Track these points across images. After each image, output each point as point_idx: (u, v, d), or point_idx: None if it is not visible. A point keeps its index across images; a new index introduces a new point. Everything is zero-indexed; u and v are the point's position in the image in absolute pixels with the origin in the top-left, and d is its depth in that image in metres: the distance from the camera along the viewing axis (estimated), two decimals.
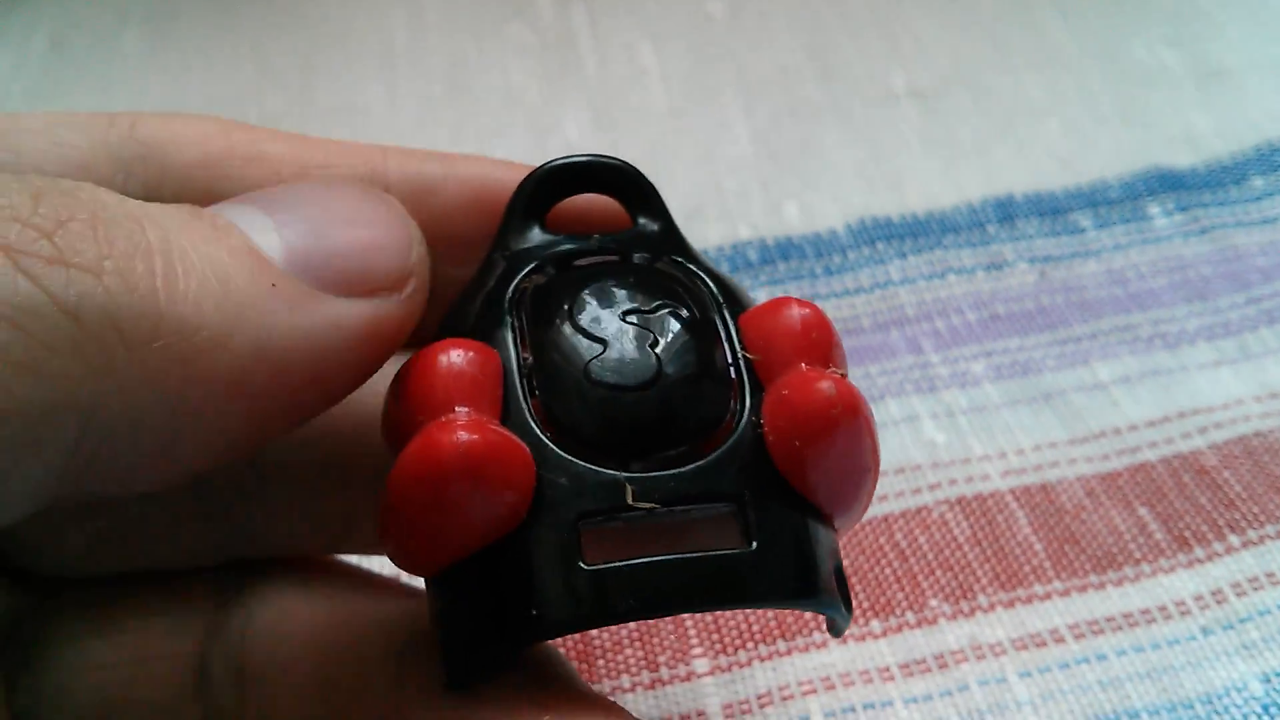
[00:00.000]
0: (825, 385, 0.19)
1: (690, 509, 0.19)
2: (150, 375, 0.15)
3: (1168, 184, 0.41)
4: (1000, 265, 0.39)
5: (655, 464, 0.19)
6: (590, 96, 0.45)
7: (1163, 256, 0.39)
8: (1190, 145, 0.42)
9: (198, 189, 0.21)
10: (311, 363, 0.18)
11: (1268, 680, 0.29)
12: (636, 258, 0.22)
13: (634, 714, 0.21)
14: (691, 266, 0.22)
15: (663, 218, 0.23)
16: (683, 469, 0.19)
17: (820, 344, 0.21)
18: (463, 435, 0.18)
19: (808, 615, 0.30)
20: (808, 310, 0.21)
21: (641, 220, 0.23)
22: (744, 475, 0.19)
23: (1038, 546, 0.31)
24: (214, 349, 0.16)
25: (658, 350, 0.20)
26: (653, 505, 0.19)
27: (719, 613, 0.30)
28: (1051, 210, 0.40)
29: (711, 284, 0.22)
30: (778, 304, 0.21)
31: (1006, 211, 0.40)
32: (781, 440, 0.19)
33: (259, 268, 0.17)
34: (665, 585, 0.18)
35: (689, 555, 0.18)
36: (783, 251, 0.39)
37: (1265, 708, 0.28)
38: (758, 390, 0.20)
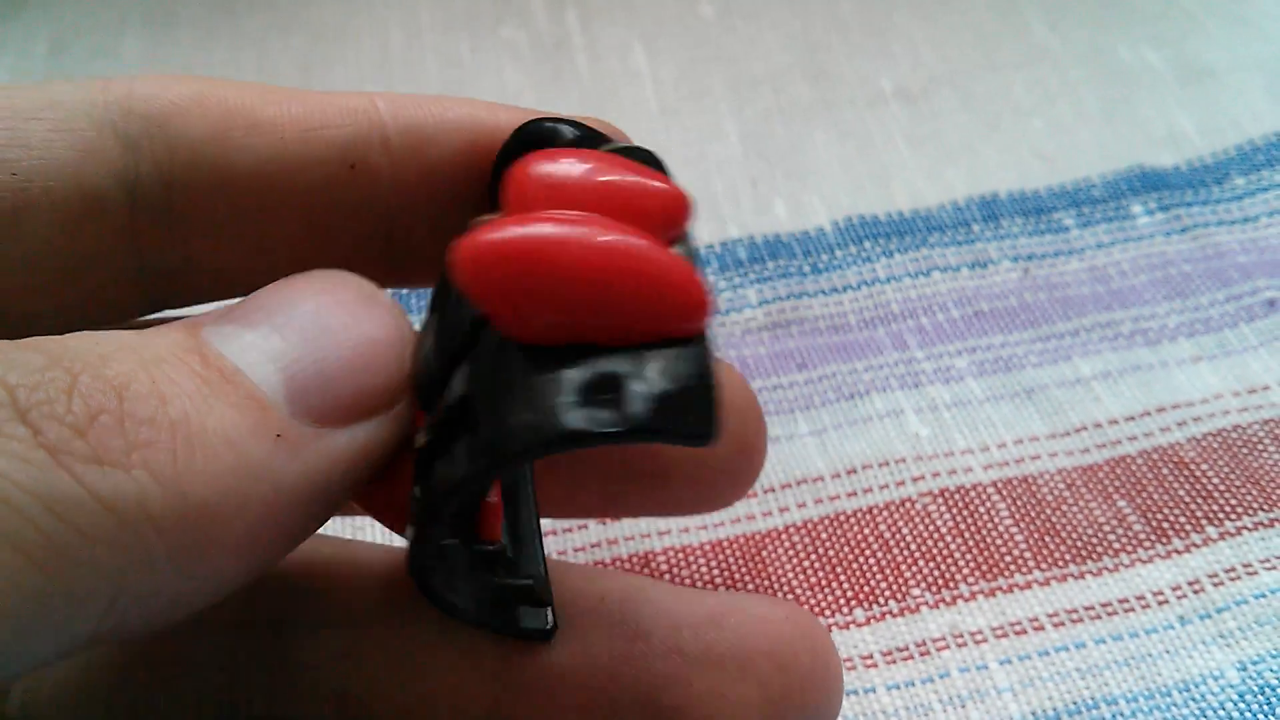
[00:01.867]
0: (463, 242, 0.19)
1: None
2: (177, 553, 0.16)
3: (1150, 183, 0.42)
4: (984, 263, 0.39)
5: None
6: (583, 96, 0.45)
7: (1144, 254, 0.40)
8: (1173, 144, 0.43)
9: (208, 166, 0.21)
10: (315, 500, 0.18)
11: (1244, 669, 0.29)
12: None
13: None
14: None
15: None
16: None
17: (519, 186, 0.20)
18: None
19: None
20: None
21: None
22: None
23: (1018, 537, 0.32)
24: (231, 518, 0.17)
25: None
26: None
27: None
28: (1035, 209, 0.41)
29: None
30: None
31: (991, 210, 0.41)
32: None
33: (264, 421, 0.18)
34: None
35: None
36: (771, 250, 0.40)
37: (1241, 695, 0.29)
38: None
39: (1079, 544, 0.32)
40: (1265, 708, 0.28)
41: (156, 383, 0.17)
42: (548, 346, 0.18)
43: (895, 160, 0.43)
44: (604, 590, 0.23)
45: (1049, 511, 0.33)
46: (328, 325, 0.19)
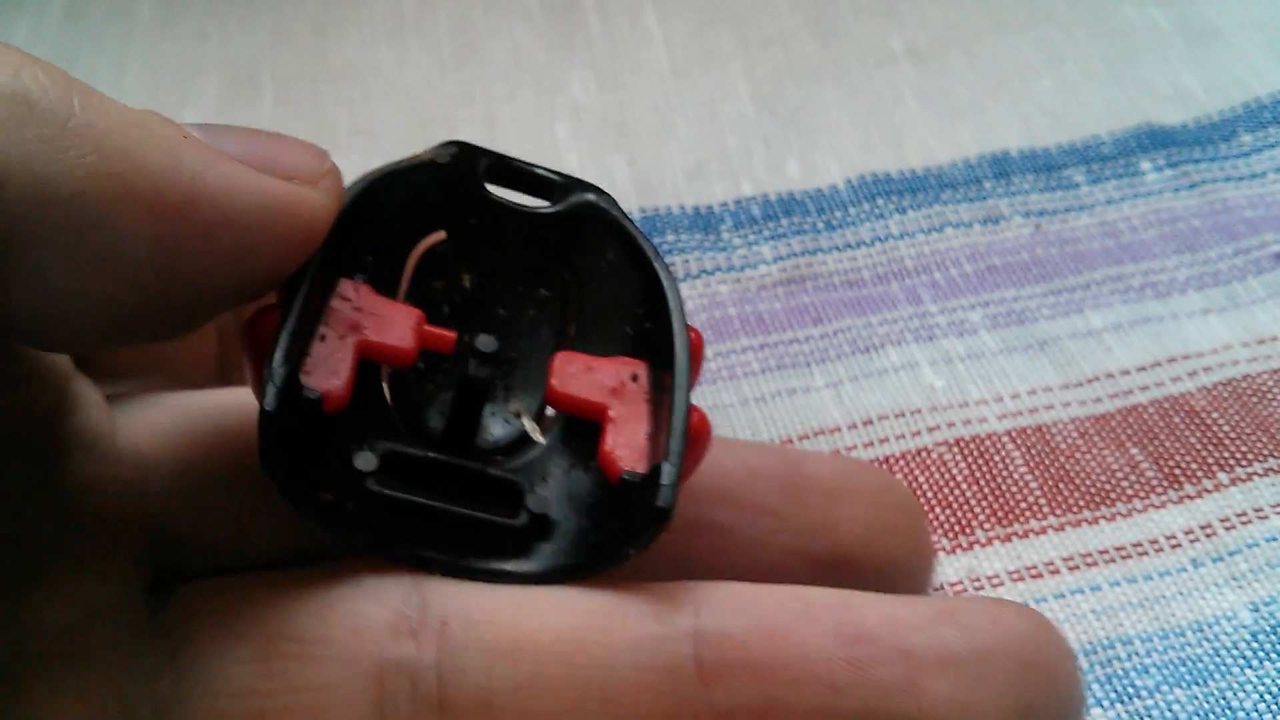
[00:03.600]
0: None
1: None
2: (61, 153, 0.17)
3: (1158, 140, 0.42)
4: (996, 219, 0.40)
5: None
6: (595, 58, 0.46)
7: (1154, 210, 0.40)
8: (1180, 102, 0.44)
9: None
10: (223, 205, 0.19)
11: (1256, 609, 0.30)
12: None
13: None
14: None
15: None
16: None
17: None
18: None
19: None
20: None
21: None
22: None
23: (1033, 484, 0.33)
24: (123, 151, 0.18)
25: None
26: None
27: None
28: (1045, 166, 0.41)
29: None
30: None
31: (1002, 167, 0.41)
32: None
33: (174, 125, 0.19)
34: None
35: None
36: (785, 207, 0.40)
37: (1254, 635, 0.29)
38: None
39: (1093, 490, 0.33)
40: (1278, 647, 0.29)
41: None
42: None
43: (906, 119, 0.43)
44: (810, 599, 0.21)
45: (1063, 459, 0.33)
46: (258, 135, 0.21)
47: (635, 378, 0.22)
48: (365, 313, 0.22)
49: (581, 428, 0.22)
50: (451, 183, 0.24)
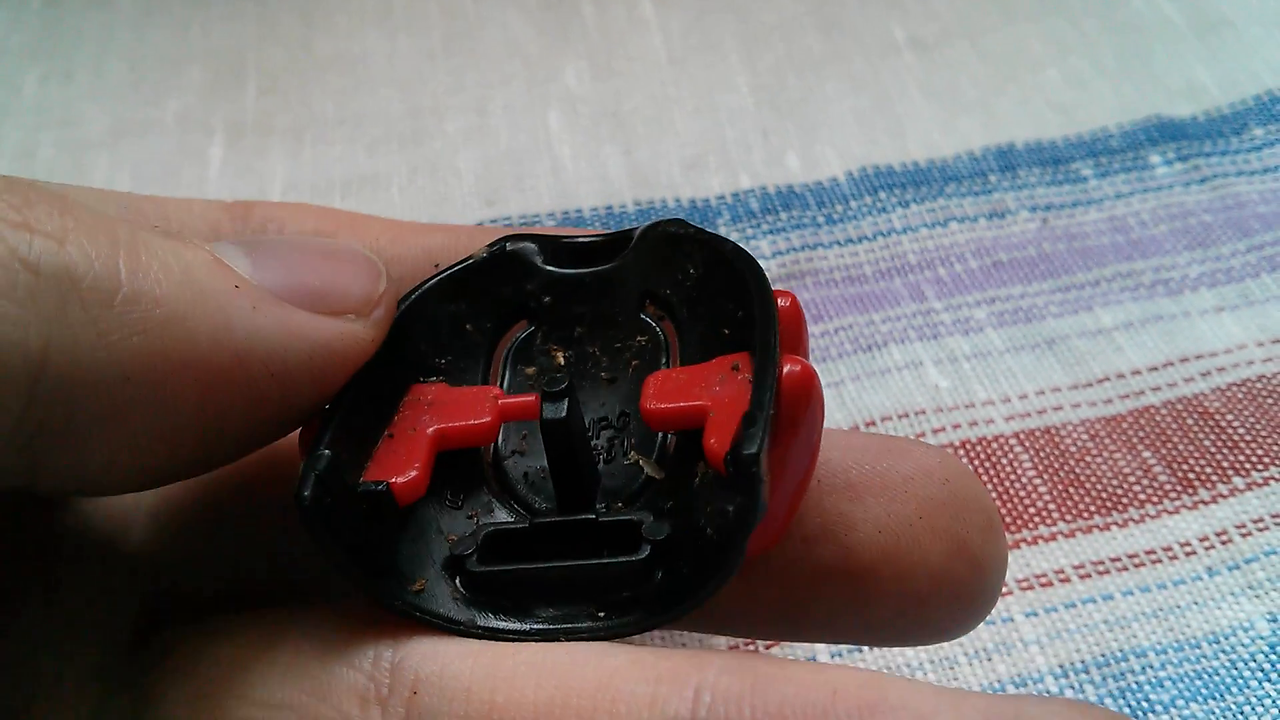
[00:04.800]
0: None
1: None
2: (105, 337, 0.17)
3: (1168, 133, 0.41)
4: (1002, 213, 0.39)
5: None
6: (590, 47, 0.45)
7: (1164, 205, 0.39)
8: (1190, 95, 0.43)
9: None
10: (271, 362, 0.19)
11: (1274, 620, 0.29)
12: None
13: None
14: None
15: None
16: None
17: None
18: None
19: None
20: None
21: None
22: None
23: (1042, 489, 0.32)
24: (171, 325, 0.17)
25: None
26: None
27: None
28: (1053, 159, 0.40)
29: None
30: None
31: (1008, 160, 0.40)
32: None
33: (223, 272, 0.19)
34: None
35: None
36: (784, 201, 0.39)
37: (1272, 646, 0.28)
38: None
39: (1104, 495, 0.31)
40: None
41: (103, 214, 0.18)
42: None
43: (909, 111, 0.42)
44: (837, 684, 0.17)
45: (1072, 462, 0.32)
46: (308, 253, 0.21)
47: (736, 367, 0.20)
48: (437, 405, 0.21)
49: (698, 448, 0.20)
50: (511, 274, 0.23)
